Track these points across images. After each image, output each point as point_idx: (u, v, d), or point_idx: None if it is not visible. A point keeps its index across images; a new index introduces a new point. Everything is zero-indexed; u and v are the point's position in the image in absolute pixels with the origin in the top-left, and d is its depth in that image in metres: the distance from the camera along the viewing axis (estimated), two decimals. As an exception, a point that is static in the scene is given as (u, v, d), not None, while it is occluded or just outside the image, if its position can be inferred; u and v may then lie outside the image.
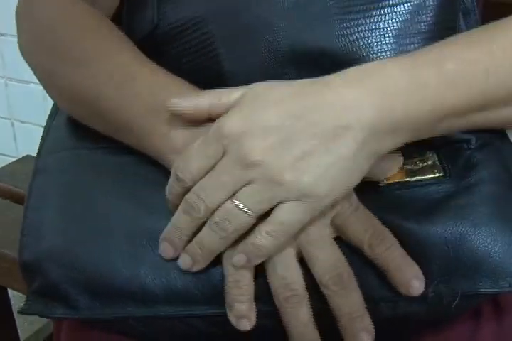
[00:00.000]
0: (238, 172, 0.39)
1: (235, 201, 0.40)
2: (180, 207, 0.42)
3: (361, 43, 0.46)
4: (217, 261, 0.43)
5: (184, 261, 0.43)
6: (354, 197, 0.43)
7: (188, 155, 0.41)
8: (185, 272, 0.44)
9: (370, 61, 0.46)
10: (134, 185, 0.47)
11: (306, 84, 0.41)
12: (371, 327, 0.42)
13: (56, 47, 0.50)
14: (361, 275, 0.43)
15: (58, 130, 0.53)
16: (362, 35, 0.46)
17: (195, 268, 0.43)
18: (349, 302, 0.42)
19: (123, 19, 0.55)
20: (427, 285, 0.42)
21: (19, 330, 0.87)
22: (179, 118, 0.45)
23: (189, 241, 0.43)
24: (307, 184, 0.39)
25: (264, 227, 0.40)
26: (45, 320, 0.89)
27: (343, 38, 0.46)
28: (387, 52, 0.46)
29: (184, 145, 0.44)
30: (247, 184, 0.40)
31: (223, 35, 0.48)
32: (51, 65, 0.50)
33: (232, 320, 0.43)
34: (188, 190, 0.42)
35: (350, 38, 0.46)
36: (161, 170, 0.47)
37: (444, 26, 0.48)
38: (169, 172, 0.44)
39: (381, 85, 0.40)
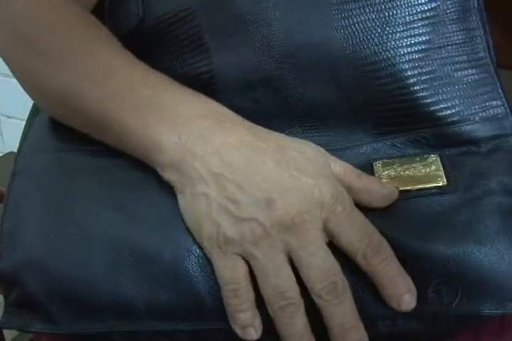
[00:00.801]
0: None
1: None
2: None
3: (361, 35, 0.44)
4: (202, 273, 0.41)
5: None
6: (348, 201, 0.41)
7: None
8: (168, 285, 0.41)
9: (370, 53, 0.43)
10: (116, 190, 0.45)
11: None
12: (365, 337, 0.40)
13: (34, 44, 0.47)
14: (357, 289, 0.41)
15: (39, 128, 0.51)
16: (361, 25, 0.43)
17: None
18: (342, 313, 0.40)
19: (106, 13, 0.52)
20: (423, 303, 0.40)
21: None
22: (159, 115, 0.43)
23: None
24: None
25: None
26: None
27: (341, 30, 0.44)
28: (389, 43, 0.44)
29: (167, 144, 0.42)
30: None
31: (213, 28, 0.46)
32: (29, 62, 0.48)
33: (238, 331, 0.41)
34: None
35: (349, 30, 0.44)
36: (142, 174, 0.45)
37: (451, 16, 0.45)
38: (152, 175, 0.43)
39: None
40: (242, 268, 0.40)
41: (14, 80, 0.50)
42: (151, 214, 0.43)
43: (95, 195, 0.45)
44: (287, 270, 0.40)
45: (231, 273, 0.40)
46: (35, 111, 0.53)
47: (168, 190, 0.43)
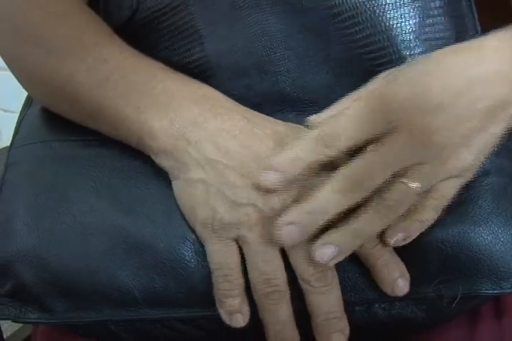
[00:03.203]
0: (413, 151, 0.37)
1: (409, 182, 0.38)
2: (331, 185, 0.37)
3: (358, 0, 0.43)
4: (198, 259, 0.41)
5: (326, 253, 0.38)
6: None
7: (343, 122, 0.38)
8: (164, 272, 0.41)
9: (363, 36, 0.43)
10: (109, 179, 0.44)
11: (457, 53, 0.39)
12: (347, 328, 0.40)
13: (26, 31, 0.47)
14: (353, 274, 0.41)
15: (32, 120, 0.51)
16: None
17: (337, 261, 0.38)
18: (328, 302, 0.40)
19: (100, 5, 0.52)
20: (420, 286, 0.40)
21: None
22: (151, 101, 0.42)
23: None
24: (470, 161, 0.39)
25: (430, 202, 0.39)
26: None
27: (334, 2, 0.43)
28: (380, 25, 0.43)
29: (159, 129, 0.41)
30: (418, 163, 0.38)
31: (206, 15, 0.45)
32: (20, 49, 0.47)
33: (225, 316, 0.41)
34: (328, 161, 0.38)
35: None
36: (136, 162, 0.44)
37: (451, 14, 0.45)
38: (146, 163, 0.43)
39: None
40: (234, 254, 0.40)
41: (10, 74, 0.50)
42: (145, 202, 0.43)
43: (88, 185, 0.44)
44: (277, 257, 0.40)
45: (223, 258, 0.40)
46: (27, 104, 0.53)
47: (163, 178, 0.43)
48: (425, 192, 0.39)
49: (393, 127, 0.37)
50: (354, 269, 0.41)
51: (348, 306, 0.41)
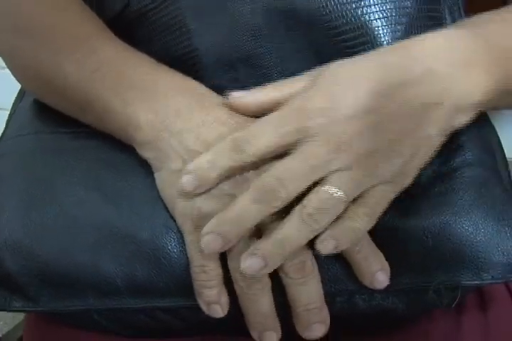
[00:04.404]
0: (331, 157, 0.36)
1: (332, 188, 0.37)
2: (247, 194, 0.37)
3: (338, 9, 0.43)
4: (181, 248, 0.41)
5: (252, 265, 0.37)
6: None
7: (260, 129, 0.38)
8: (146, 262, 0.41)
9: (344, 22, 0.43)
10: (96, 171, 0.45)
11: (386, 55, 0.39)
12: (327, 319, 0.40)
13: (17, 23, 0.48)
14: (333, 265, 0.41)
15: (23, 112, 0.51)
16: (337, 1, 0.43)
17: (266, 271, 0.38)
18: (308, 293, 0.39)
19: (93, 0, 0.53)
20: (401, 277, 0.40)
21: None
22: (138, 94, 0.43)
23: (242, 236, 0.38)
24: (400, 166, 0.38)
25: (362, 209, 0.38)
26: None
27: (321, 8, 0.43)
28: (367, 15, 0.43)
29: (144, 121, 0.42)
30: (338, 169, 0.37)
31: (194, 9, 0.46)
32: (13, 40, 0.48)
33: (203, 307, 0.41)
34: (242, 167, 0.38)
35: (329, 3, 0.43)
36: (123, 154, 0.45)
37: (426, 14, 0.45)
38: (132, 156, 0.43)
39: (465, 57, 0.39)
40: None
41: (3, 71, 0.51)
42: (130, 194, 0.43)
43: (75, 176, 0.44)
44: None
45: (200, 248, 0.40)
46: (19, 98, 0.53)
47: (148, 170, 0.43)
48: (357, 199, 0.38)
49: (309, 134, 0.37)
50: (335, 260, 0.41)
51: (329, 297, 0.40)
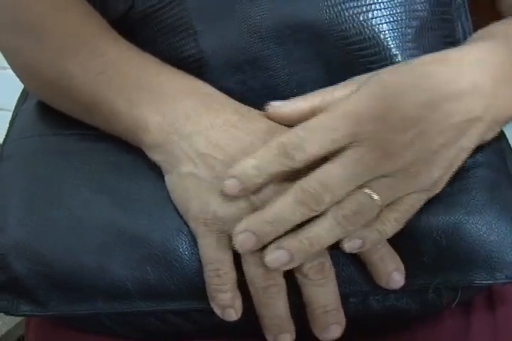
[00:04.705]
0: (376, 164, 0.37)
1: (372, 193, 0.37)
2: (290, 196, 0.37)
3: (347, 14, 0.43)
4: (192, 251, 0.41)
5: (278, 258, 0.38)
6: None
7: (311, 134, 0.37)
8: (157, 265, 0.41)
9: (355, 33, 0.43)
10: (103, 173, 0.44)
11: (431, 65, 0.39)
12: (343, 320, 0.40)
13: (22, 24, 0.47)
14: (347, 266, 0.41)
15: (27, 114, 0.50)
16: (347, 5, 0.43)
17: (290, 266, 0.38)
18: (326, 294, 0.39)
19: (97, 1, 0.52)
20: (415, 278, 0.40)
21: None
22: (145, 95, 0.42)
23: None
24: (439, 176, 0.38)
25: (393, 214, 0.38)
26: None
27: (328, 9, 0.43)
28: (374, 22, 0.43)
29: (152, 123, 0.41)
30: (382, 176, 0.37)
31: (200, 11, 0.45)
32: (18, 41, 0.47)
33: (217, 311, 0.40)
34: (289, 172, 0.38)
35: (335, 9, 0.43)
36: (130, 157, 0.44)
37: (439, 17, 0.44)
38: (140, 158, 0.42)
39: (505, 71, 0.39)
40: (226, 248, 0.40)
41: (5, 72, 0.50)
42: (139, 196, 0.43)
43: (82, 179, 0.44)
44: None
45: (215, 252, 0.40)
46: (22, 100, 0.53)
47: (156, 172, 0.43)
48: (390, 204, 0.38)
49: (358, 140, 0.37)
50: (349, 261, 0.41)
51: (343, 298, 0.40)
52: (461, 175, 0.41)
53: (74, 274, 0.42)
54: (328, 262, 0.39)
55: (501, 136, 0.45)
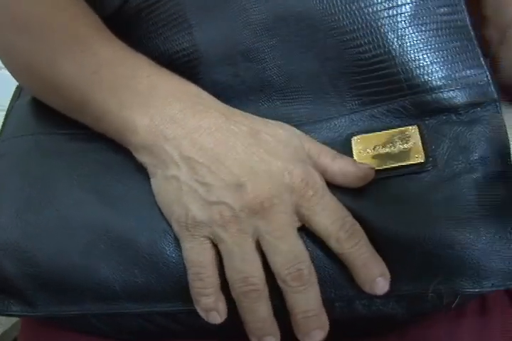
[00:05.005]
0: None
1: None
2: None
3: (339, 3, 0.42)
4: (179, 253, 0.41)
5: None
6: (320, 184, 0.40)
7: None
8: (145, 266, 0.41)
9: (348, 22, 0.42)
10: (93, 173, 0.44)
11: None
12: (326, 325, 0.40)
13: (16, 19, 0.47)
14: (333, 271, 0.40)
15: (20, 112, 0.51)
16: None
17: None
18: (306, 300, 0.39)
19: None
20: (401, 283, 0.40)
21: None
22: (135, 97, 0.42)
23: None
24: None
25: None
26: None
27: (320, 0, 0.43)
28: (367, 11, 0.42)
29: (140, 125, 0.41)
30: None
31: (195, 4, 0.45)
32: (9, 36, 0.47)
33: (202, 314, 0.41)
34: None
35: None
36: (120, 157, 0.44)
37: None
38: (129, 158, 0.43)
39: None
40: (208, 252, 0.40)
41: (0, 72, 0.50)
42: (127, 197, 0.43)
43: (72, 179, 0.44)
44: (253, 255, 0.39)
45: (197, 256, 0.40)
46: (16, 96, 0.53)
47: (145, 173, 0.43)
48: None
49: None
50: (334, 266, 0.40)
51: (328, 302, 0.40)
52: (454, 180, 0.40)
53: (62, 275, 0.42)
54: (306, 269, 0.39)
55: (503, 131, 0.43)
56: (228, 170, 0.39)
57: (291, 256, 0.39)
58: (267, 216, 0.39)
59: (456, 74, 0.42)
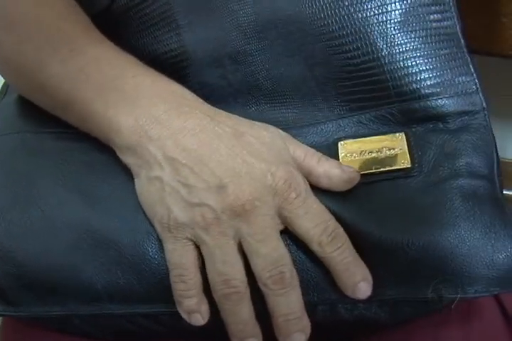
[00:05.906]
0: None
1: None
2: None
3: (329, 8, 0.42)
4: (161, 255, 0.41)
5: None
6: (303, 187, 0.40)
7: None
8: (127, 268, 0.41)
9: (337, 27, 0.42)
10: (78, 173, 0.44)
11: None
12: (308, 328, 0.40)
13: (4, 18, 0.47)
14: (316, 274, 0.40)
15: (7, 109, 0.50)
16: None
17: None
18: (287, 303, 0.39)
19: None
20: (384, 288, 0.40)
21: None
22: (120, 97, 0.42)
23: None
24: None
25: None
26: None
27: (310, 4, 0.42)
28: (357, 16, 0.42)
29: (124, 126, 0.41)
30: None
31: (184, 5, 0.45)
32: None
33: (184, 315, 0.40)
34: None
35: (318, 3, 0.42)
36: (105, 157, 0.44)
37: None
38: (114, 158, 0.42)
39: None
40: (190, 254, 0.40)
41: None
42: (111, 197, 0.43)
43: (57, 178, 0.44)
44: (235, 257, 0.39)
45: (179, 257, 0.40)
46: (2, 94, 0.52)
47: (130, 173, 0.43)
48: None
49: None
50: (317, 269, 0.40)
51: (311, 306, 0.40)
52: (439, 185, 0.40)
53: (46, 275, 0.42)
54: (288, 272, 0.39)
55: (489, 140, 0.43)
56: (211, 171, 0.39)
57: (273, 259, 0.39)
58: (248, 218, 0.39)
59: (446, 83, 0.42)
